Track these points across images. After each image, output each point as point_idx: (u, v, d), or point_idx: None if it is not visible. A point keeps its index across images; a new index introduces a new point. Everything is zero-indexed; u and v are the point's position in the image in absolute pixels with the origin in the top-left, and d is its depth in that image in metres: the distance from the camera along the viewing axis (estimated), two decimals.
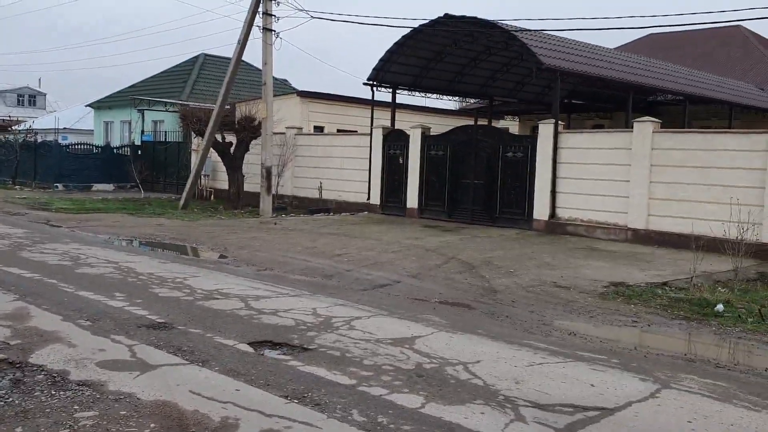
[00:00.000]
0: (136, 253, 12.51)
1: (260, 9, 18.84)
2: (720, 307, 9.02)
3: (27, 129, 37.78)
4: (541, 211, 16.55)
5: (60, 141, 33.41)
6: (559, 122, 16.63)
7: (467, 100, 30.58)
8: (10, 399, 4.69)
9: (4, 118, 48.99)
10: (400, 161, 19.90)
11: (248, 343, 6.39)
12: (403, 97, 22.70)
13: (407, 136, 19.65)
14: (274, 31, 18.83)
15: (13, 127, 40.97)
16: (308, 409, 4.80)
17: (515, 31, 16.96)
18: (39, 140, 32.28)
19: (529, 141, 17.18)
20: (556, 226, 16.27)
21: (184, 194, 21.49)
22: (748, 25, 31.46)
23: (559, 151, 16.33)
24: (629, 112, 18.31)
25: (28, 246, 12.25)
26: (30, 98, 60.20)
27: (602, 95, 23.15)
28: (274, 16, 18.78)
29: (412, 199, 19.49)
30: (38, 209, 19.91)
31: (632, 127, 15.19)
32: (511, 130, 26.25)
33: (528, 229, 16.64)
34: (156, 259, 11.65)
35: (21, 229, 14.95)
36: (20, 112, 55.16)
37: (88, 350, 5.87)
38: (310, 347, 6.38)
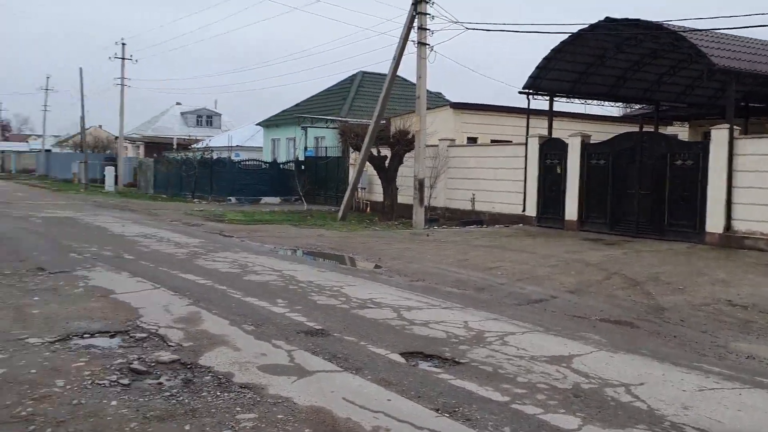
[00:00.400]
0: (297, 262, 13.12)
1: (415, 24, 19.14)
2: None
3: (204, 147, 41.12)
4: (714, 223, 15.27)
5: (233, 158, 36.04)
6: (735, 127, 15.29)
7: (630, 106, 29.03)
8: (181, 398, 5.05)
9: (185, 137, 53.71)
10: (558, 171, 19.26)
11: (400, 354, 6.44)
12: (561, 104, 22.03)
13: (565, 145, 18.99)
14: (428, 44, 19.04)
15: (192, 146, 44.80)
16: (459, 424, 4.73)
17: (683, 31, 15.84)
18: (214, 157, 35.01)
19: (700, 148, 15.93)
20: (731, 240, 14.92)
21: (342, 206, 22.26)
22: None
23: (735, 158, 14.98)
24: None
25: (202, 254, 13.27)
26: (207, 119, 65.57)
27: None
28: (429, 30, 19.00)
29: (571, 211, 18.77)
30: (213, 221, 21.55)
31: None
32: (680, 137, 24.59)
33: (699, 243, 15.40)
34: (315, 268, 12.14)
35: (197, 239, 16.23)
36: (199, 131, 60.25)
37: (251, 354, 6.20)
38: (461, 361, 6.30)
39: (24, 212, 22.45)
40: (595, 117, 28.66)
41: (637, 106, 27.61)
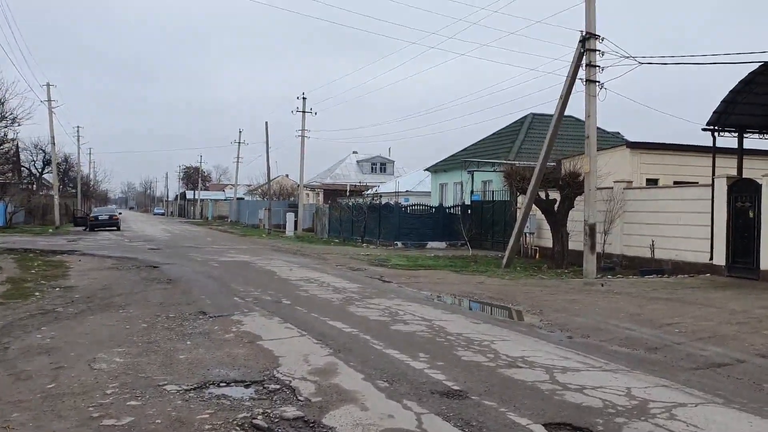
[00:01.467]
0: (451, 311, 12.59)
1: (583, 61, 18.20)
2: None
3: (374, 193, 42.20)
4: None
5: (402, 202, 36.56)
6: None
7: None
8: None
9: (359, 183, 55.70)
10: (751, 215, 17.10)
11: (544, 424, 5.68)
12: (753, 141, 19.79)
13: (758, 186, 16.85)
14: (598, 82, 17.96)
15: (364, 192, 46.25)
16: None
17: None
18: (383, 203, 35.73)
19: None
20: None
21: (507, 252, 21.45)
22: None
23: None
24: None
25: (356, 300, 13.20)
26: (381, 166, 67.74)
27: None
28: (598, 66, 17.94)
29: (767, 260, 16.50)
30: (376, 265, 21.71)
31: None
32: None
33: None
34: (469, 319, 11.54)
35: (357, 284, 16.30)
36: (373, 178, 62.33)
37: (377, 415, 5.78)
38: None
39: (207, 256, 24.16)
40: None
41: None
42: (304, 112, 47.05)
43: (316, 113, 47.62)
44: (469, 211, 31.53)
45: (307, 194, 62.96)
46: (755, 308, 12.45)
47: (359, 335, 9.47)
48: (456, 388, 6.75)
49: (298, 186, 52.51)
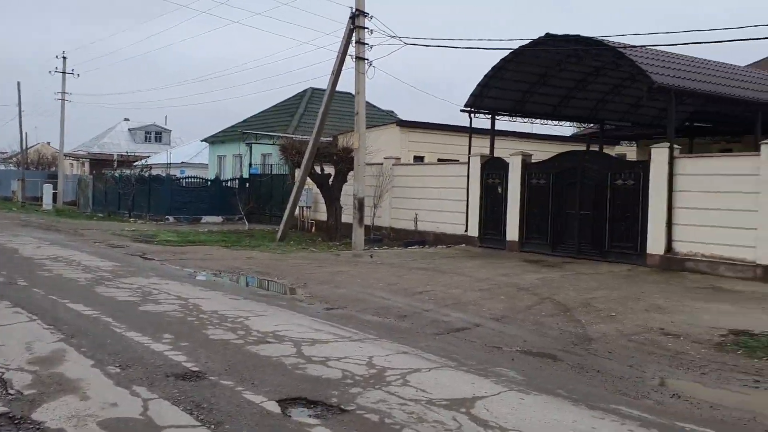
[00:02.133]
0: (211, 288, 12.18)
1: (353, 38, 18.51)
2: None
3: (144, 164, 39.78)
4: (655, 245, 14.85)
5: (177, 175, 34.82)
6: (678, 146, 14.96)
7: (582, 125, 28.79)
8: None
9: (130, 154, 52.18)
10: (499, 191, 18.75)
11: (278, 401, 5.61)
12: (508, 124, 21.68)
13: (506, 164, 18.51)
14: (367, 59, 18.43)
15: (135, 163, 43.41)
16: None
17: (622, 47, 15.51)
18: (154, 174, 33.74)
19: (641, 167, 15.55)
20: (672, 262, 14.51)
21: (281, 226, 21.39)
22: None
23: (675, 178, 14.62)
24: (758, 134, 16.25)
25: (107, 280, 12.23)
26: (156, 135, 64.01)
27: (729, 117, 20.93)
28: (367, 44, 18.38)
29: (512, 232, 18.24)
30: (141, 241, 20.43)
31: (759, 150, 13.30)
32: (628, 157, 24.41)
33: (641, 265, 14.96)
34: (228, 295, 11.24)
35: (113, 262, 15.15)
36: (147, 148, 58.69)
37: (99, 404, 5.31)
38: (347, 408, 5.51)
39: None
40: (542, 136, 28.42)
41: (588, 126, 27.45)
42: (64, 72, 42.84)
43: (78, 75, 43.62)
44: (247, 184, 30.96)
45: (71, 164, 57.67)
46: (498, 275, 13.65)
47: (100, 318, 8.73)
48: (195, 369, 6.45)
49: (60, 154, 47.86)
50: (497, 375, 6.78)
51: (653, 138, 25.00)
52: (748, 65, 25.41)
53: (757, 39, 13.80)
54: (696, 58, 17.98)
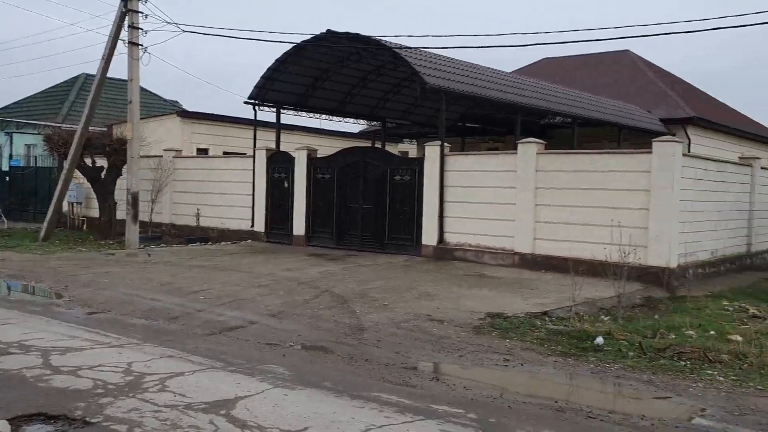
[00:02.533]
0: None
1: (126, 22, 17.29)
2: (600, 340, 8.27)
3: None
4: (429, 236, 15.71)
5: None
6: (448, 144, 15.92)
7: (368, 123, 29.64)
8: None
9: None
10: (286, 185, 18.68)
11: (10, 419, 4.98)
12: (297, 118, 21.66)
13: (292, 159, 18.48)
14: (141, 45, 17.31)
15: None
16: None
17: (399, 48, 16.18)
18: None
19: (417, 164, 16.36)
20: (444, 252, 15.46)
21: (45, 224, 19.42)
22: (636, 50, 32.37)
23: (446, 174, 15.58)
24: (517, 135, 17.87)
25: None
26: None
27: (495, 118, 22.80)
28: (141, 29, 17.27)
29: (299, 226, 18.27)
30: None
31: (517, 149, 14.62)
32: (411, 155, 25.62)
33: (417, 256, 15.75)
34: None
35: None
36: None
37: None
38: (93, 420, 5.04)
39: None
40: (331, 132, 28.90)
41: (375, 123, 28.32)
42: None
43: None
44: (8, 178, 27.74)
45: None
46: (280, 271, 13.55)
47: None
48: None
49: None
50: (264, 373, 6.66)
51: (430, 136, 26.53)
52: (513, 71, 27.95)
53: (525, 46, 15.12)
54: (467, 63, 19.29)
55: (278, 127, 20.01)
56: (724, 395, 6.43)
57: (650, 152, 12.68)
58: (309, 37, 17.33)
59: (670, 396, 6.43)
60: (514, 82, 20.49)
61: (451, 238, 15.50)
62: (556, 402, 6.11)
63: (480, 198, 14.96)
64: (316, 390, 6.14)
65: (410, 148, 30.31)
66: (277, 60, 18.16)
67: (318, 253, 16.48)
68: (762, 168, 17.09)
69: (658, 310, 10.76)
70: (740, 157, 16.97)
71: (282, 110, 20.15)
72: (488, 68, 20.25)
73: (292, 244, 18.20)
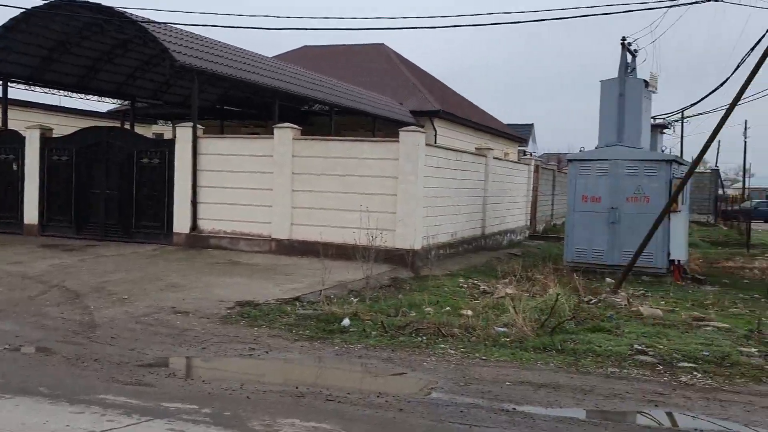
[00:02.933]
0: None
1: None
2: (346, 321, 8.43)
3: None
4: (181, 223, 14.94)
5: None
6: (201, 127, 15.24)
7: (123, 102, 27.31)
8: None
9: None
10: (15, 168, 16.55)
11: None
12: (36, 95, 19.31)
13: (23, 139, 16.42)
14: None
15: None
16: None
17: (146, 22, 15.06)
18: None
19: (167, 146, 15.44)
20: (198, 240, 14.80)
21: None
22: (390, 44, 34.06)
23: (199, 157, 14.91)
24: (275, 119, 17.70)
25: None
26: None
27: (255, 102, 22.43)
28: None
29: (31, 214, 16.30)
30: None
31: (273, 134, 14.45)
32: (166, 137, 24.14)
33: (168, 244, 14.88)
34: None
35: None
36: None
37: None
38: None
39: None
40: (77, 111, 26.21)
41: (125, 103, 26.24)
42: None
43: None
44: None
45: None
46: (4, 265, 11.95)
47: None
48: None
49: None
50: None
51: (187, 118, 25.33)
52: (274, 56, 27.74)
53: (284, 29, 14.84)
54: (225, 44, 18.62)
55: (5, 102, 17.66)
56: (453, 367, 6.86)
57: (398, 141, 13.29)
58: (42, 3, 15.46)
59: (406, 372, 6.70)
60: (274, 67, 20.30)
61: (205, 225, 14.90)
62: (297, 388, 6.03)
63: (236, 183, 14.57)
64: (28, 397, 5.40)
65: (166, 130, 28.67)
66: (2, 26, 15.95)
67: (53, 244, 14.86)
68: (494, 158, 18.88)
69: (403, 290, 11.30)
70: (477, 148, 18.56)
71: (11, 84, 17.83)
72: (248, 51, 19.81)
73: (23, 234, 16.22)
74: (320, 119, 23.31)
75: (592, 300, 10.59)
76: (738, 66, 13.88)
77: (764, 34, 12.13)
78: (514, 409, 5.63)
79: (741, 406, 5.90)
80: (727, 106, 11.95)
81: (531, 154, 41.69)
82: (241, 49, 19.40)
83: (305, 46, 32.04)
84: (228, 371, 6.71)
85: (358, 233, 12.17)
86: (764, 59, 11.07)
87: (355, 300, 9.97)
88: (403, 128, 13.65)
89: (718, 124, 11.44)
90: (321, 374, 6.83)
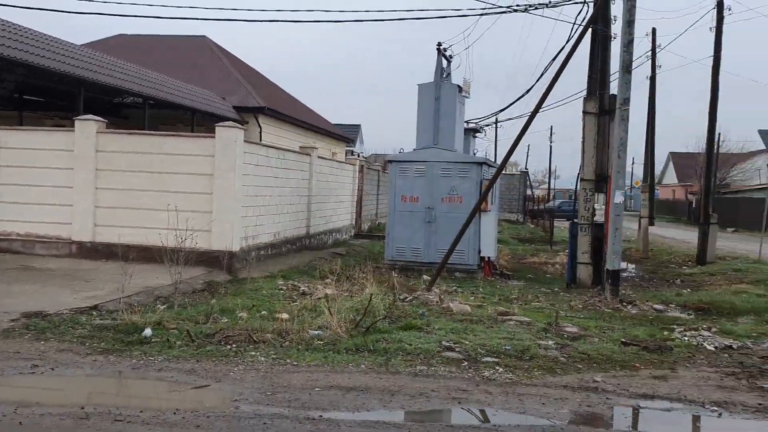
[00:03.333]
0: None
1: None
2: (148, 331, 7.81)
3: None
4: None
5: None
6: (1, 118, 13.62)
7: None
8: None
9: None
10: None
11: None
12: None
13: None
14: None
15: None
16: None
17: None
18: None
19: None
20: None
21: None
22: (213, 37, 32.91)
23: None
24: (80, 111, 16.25)
25: None
26: None
27: (60, 92, 20.49)
28: None
29: None
30: None
31: (74, 126, 13.22)
32: None
33: None
34: None
35: None
36: None
37: None
38: None
39: None
40: None
41: None
42: None
43: None
44: None
45: None
46: None
47: None
48: None
49: None
50: None
51: None
52: (85, 44, 25.63)
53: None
54: (22, 27, 16.80)
55: None
56: (262, 376, 6.56)
57: (213, 137, 12.71)
58: None
59: (210, 384, 6.30)
60: (81, 54, 18.68)
61: None
62: (82, 408, 5.42)
63: (31, 180, 13.17)
64: None
65: None
66: None
67: None
68: (319, 157, 18.78)
69: (218, 294, 10.79)
70: (301, 147, 18.35)
71: None
72: (51, 37, 18.09)
73: None
74: (136, 113, 21.86)
75: (407, 298, 10.78)
76: (541, 76, 14.92)
77: (562, 48, 13.10)
78: (321, 416, 5.46)
79: (537, 398, 6.18)
80: (526, 114, 12.75)
81: (359, 155, 42.37)
82: (43, 33, 17.67)
83: (121, 35, 30.05)
84: (1, 393, 5.91)
85: (170, 234, 11.42)
86: (561, 72, 11.92)
87: (162, 307, 9.33)
88: (220, 123, 13.07)
89: (521, 130, 12.15)
90: (113, 391, 6.23)
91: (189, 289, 10.72)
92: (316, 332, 7.98)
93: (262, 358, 7.15)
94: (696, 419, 5.98)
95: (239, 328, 8.15)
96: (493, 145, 44.37)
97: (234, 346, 7.54)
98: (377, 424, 5.36)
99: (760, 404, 6.28)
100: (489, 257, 15.00)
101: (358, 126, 50.09)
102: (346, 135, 37.96)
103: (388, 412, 5.72)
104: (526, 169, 46.10)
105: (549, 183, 65.19)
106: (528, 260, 18.42)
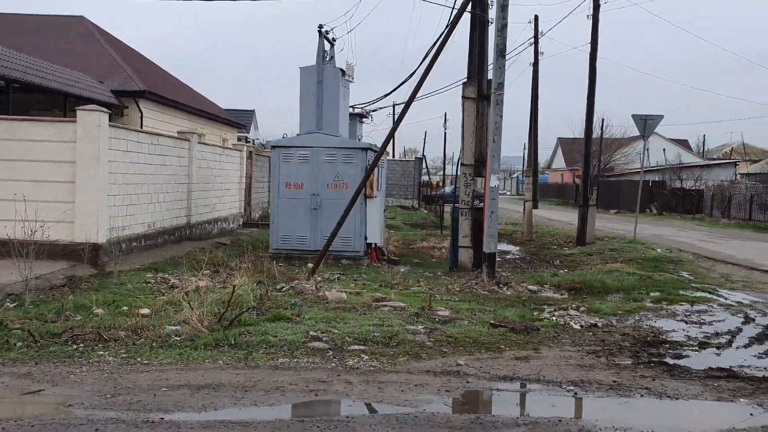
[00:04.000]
0: None
1: None
2: None
3: None
4: None
5: None
6: None
7: None
8: None
9: None
10: None
11: None
12: None
13: None
14: None
15: None
16: None
17: None
18: None
19: None
20: None
21: None
22: (92, 18, 31.05)
23: None
24: None
25: None
26: None
27: None
28: None
29: None
30: None
31: None
32: None
33: None
34: None
35: None
36: None
37: None
38: None
39: None
40: None
41: None
42: None
43: None
44: None
45: None
46: None
47: None
48: None
49: None
50: None
51: None
52: None
53: None
54: None
55: None
56: (106, 377, 6.08)
57: (75, 121, 11.84)
58: None
59: (45, 388, 5.76)
60: None
61: None
62: None
63: None
64: None
65: None
66: None
67: None
68: (200, 143, 18.02)
69: (79, 289, 10.06)
70: (179, 132, 17.54)
71: None
72: None
73: None
74: (7, 97, 20.22)
75: (283, 288, 10.46)
76: (421, 62, 14.83)
77: (443, 33, 13.05)
78: (162, 419, 5.08)
79: (397, 386, 6.05)
80: (421, 98, 12.65)
81: (253, 141, 41.31)
82: None
83: None
84: None
85: (27, 227, 10.50)
86: (437, 56, 11.87)
87: (12, 305, 8.58)
88: (81, 107, 12.18)
89: (400, 114, 12.02)
90: None
91: (46, 285, 9.96)
92: (174, 328, 7.53)
93: (111, 358, 6.65)
94: (552, 399, 6.00)
95: (92, 325, 7.57)
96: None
97: (82, 345, 6.99)
98: (221, 424, 5.03)
99: (614, 381, 6.41)
100: (376, 243, 14.88)
101: (252, 111, 48.84)
102: (239, 121, 36.83)
103: (237, 410, 5.40)
104: (423, 155, 46.54)
105: (443, 169, 66.32)
106: (417, 245, 18.48)
